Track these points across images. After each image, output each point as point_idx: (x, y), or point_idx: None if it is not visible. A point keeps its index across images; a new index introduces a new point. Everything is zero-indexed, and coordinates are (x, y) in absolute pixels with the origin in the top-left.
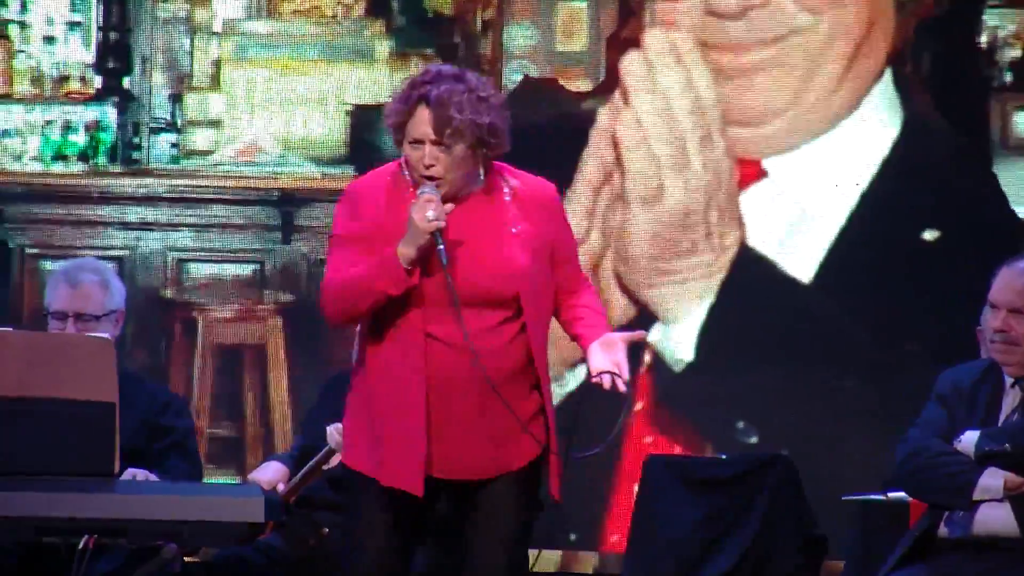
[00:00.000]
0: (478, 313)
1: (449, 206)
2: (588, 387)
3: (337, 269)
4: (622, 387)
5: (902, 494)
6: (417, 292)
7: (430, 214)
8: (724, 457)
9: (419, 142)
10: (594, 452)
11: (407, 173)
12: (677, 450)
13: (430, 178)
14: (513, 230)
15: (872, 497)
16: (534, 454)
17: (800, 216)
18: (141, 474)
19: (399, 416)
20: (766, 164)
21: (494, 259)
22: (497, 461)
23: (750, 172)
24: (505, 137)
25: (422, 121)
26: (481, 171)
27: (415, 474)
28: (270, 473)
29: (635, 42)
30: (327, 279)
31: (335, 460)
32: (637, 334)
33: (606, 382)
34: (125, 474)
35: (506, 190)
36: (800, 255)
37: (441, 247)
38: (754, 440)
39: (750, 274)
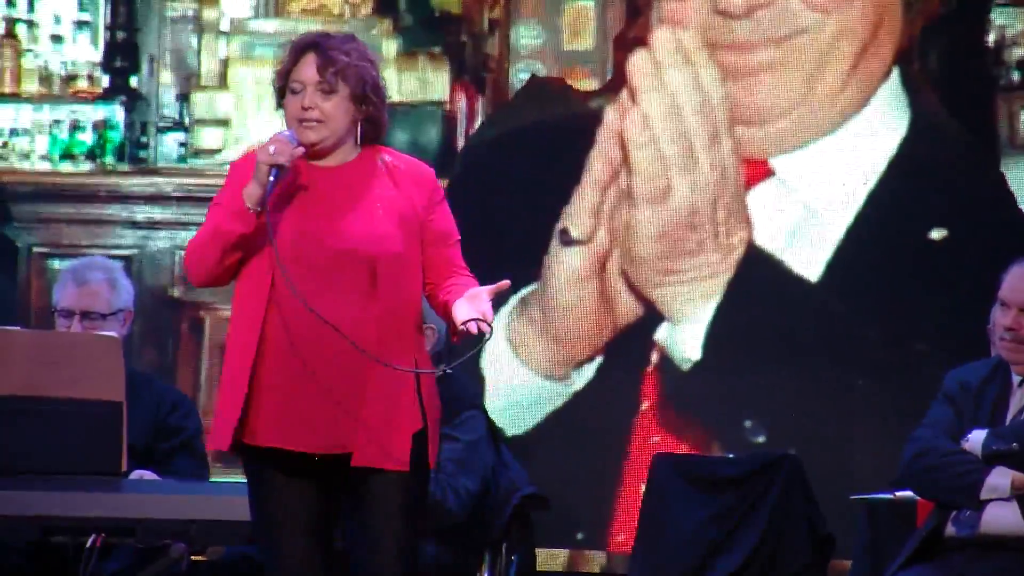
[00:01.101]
0: (331, 278)
1: (300, 150)
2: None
3: (202, 228)
4: (485, 328)
5: (910, 493)
6: (267, 255)
7: (272, 148)
8: (732, 456)
9: (300, 87)
10: (434, 372)
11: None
12: (684, 449)
13: (307, 122)
14: (380, 201)
15: (880, 496)
16: (402, 433)
17: (807, 215)
18: (148, 475)
19: (232, 376)
20: (773, 163)
21: (353, 222)
22: (345, 438)
23: (757, 171)
24: (384, 107)
25: (308, 65)
26: (358, 141)
27: (225, 430)
28: None
29: (642, 41)
30: (191, 239)
31: None
32: (501, 284)
33: (471, 328)
34: (132, 475)
35: (380, 164)
36: (807, 254)
37: (271, 184)
38: (762, 439)
39: (757, 273)
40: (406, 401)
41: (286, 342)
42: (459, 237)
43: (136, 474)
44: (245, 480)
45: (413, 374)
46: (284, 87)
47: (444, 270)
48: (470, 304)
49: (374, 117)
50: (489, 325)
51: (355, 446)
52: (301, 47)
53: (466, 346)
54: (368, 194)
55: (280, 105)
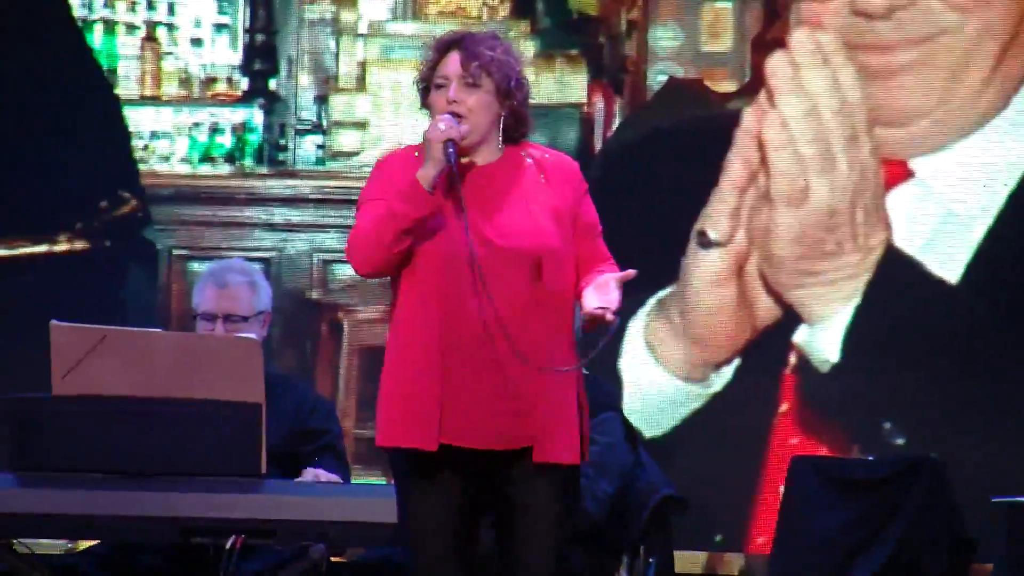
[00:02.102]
0: (499, 277)
1: (466, 128)
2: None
3: (363, 220)
4: (611, 317)
5: None
6: (436, 249)
7: (442, 125)
8: (871, 459)
9: (445, 82)
10: (568, 369)
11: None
12: (823, 452)
13: (453, 116)
14: (532, 197)
15: (1022, 499)
16: (575, 450)
17: (947, 217)
18: (323, 474)
19: (416, 374)
20: (913, 164)
21: (512, 219)
22: (523, 432)
23: (896, 172)
24: (527, 105)
25: (452, 61)
26: (500, 140)
27: (428, 429)
28: None
29: (781, 43)
30: (354, 231)
31: None
32: (627, 272)
33: (597, 314)
34: (306, 474)
35: (528, 160)
36: (947, 255)
37: (452, 152)
38: (901, 442)
39: (896, 275)
40: (571, 396)
41: (459, 339)
42: (600, 229)
43: (310, 473)
44: (388, 482)
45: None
46: (428, 85)
47: (592, 262)
48: (597, 293)
49: (518, 113)
50: (615, 315)
51: (534, 441)
52: (446, 44)
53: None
54: (520, 191)
55: (424, 104)
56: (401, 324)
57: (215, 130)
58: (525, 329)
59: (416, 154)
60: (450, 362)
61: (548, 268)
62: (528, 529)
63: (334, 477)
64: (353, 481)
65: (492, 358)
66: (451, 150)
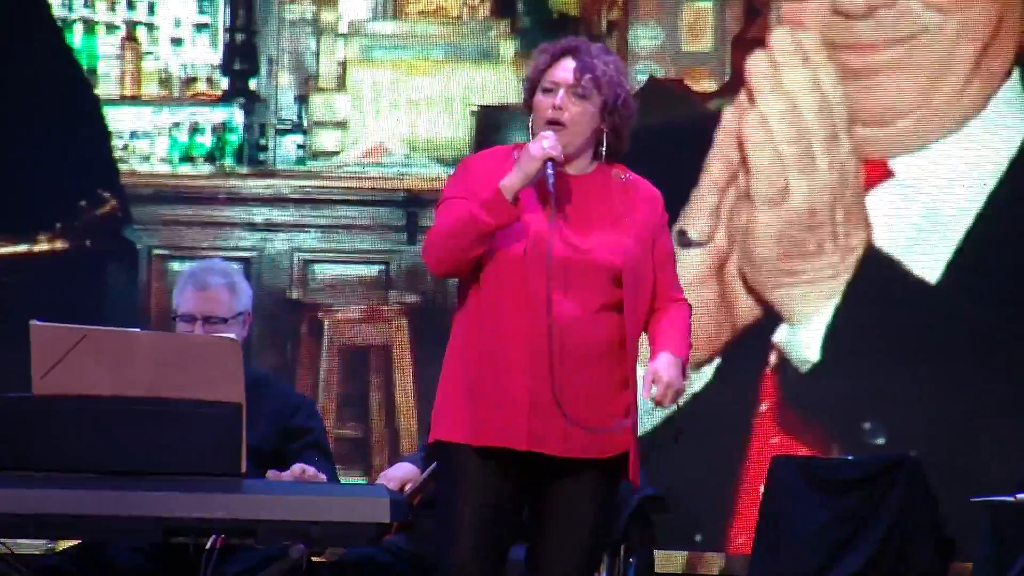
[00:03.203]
0: (573, 283)
1: (566, 140)
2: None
3: (442, 220)
4: (668, 404)
5: None
6: (519, 252)
7: (546, 143)
8: (852, 458)
9: (554, 87)
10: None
11: (517, 154)
12: (804, 451)
13: (553, 123)
14: (619, 215)
15: (1002, 499)
16: (625, 445)
17: (927, 216)
18: (310, 469)
19: (502, 374)
20: (893, 164)
21: (601, 233)
22: (583, 442)
23: (876, 172)
24: (628, 125)
25: (564, 69)
26: (596, 155)
27: (519, 427)
28: (401, 471)
29: (761, 42)
30: (432, 230)
31: None
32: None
33: (657, 397)
34: (293, 469)
35: (617, 180)
36: (927, 255)
37: (550, 177)
38: (881, 441)
39: (877, 274)
40: (628, 400)
41: (530, 342)
42: (674, 255)
43: (297, 467)
44: (369, 481)
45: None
46: (534, 86)
47: (664, 292)
48: (663, 371)
49: (619, 131)
50: (675, 400)
51: (571, 451)
52: (561, 50)
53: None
54: (609, 206)
55: (527, 105)
56: (475, 324)
57: (195, 130)
58: (594, 337)
59: (515, 154)
60: (510, 364)
61: (627, 283)
62: (568, 534)
63: (321, 476)
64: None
65: (553, 361)
66: (550, 171)
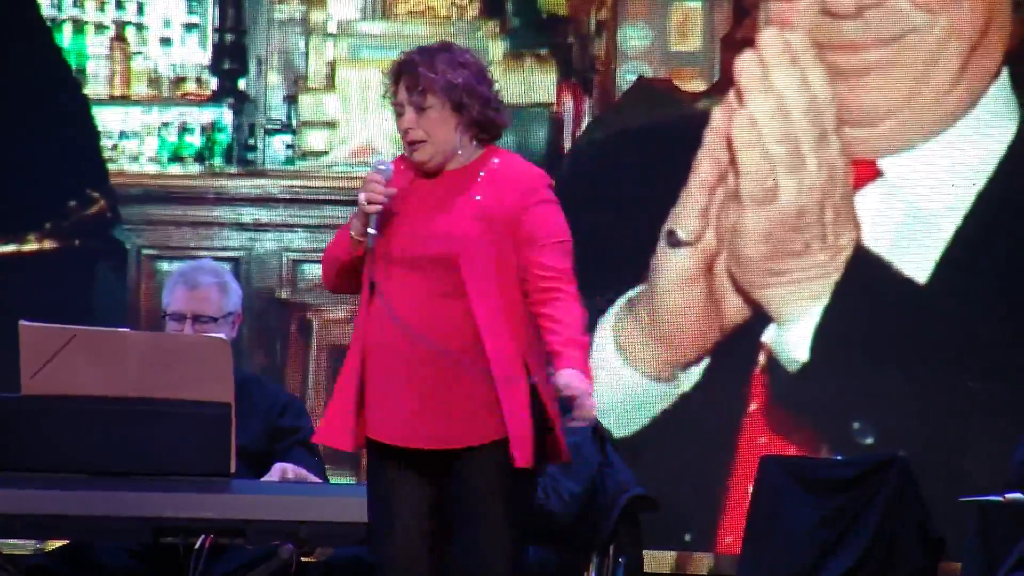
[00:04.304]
0: (415, 280)
1: (392, 190)
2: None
3: (331, 242)
4: (580, 425)
5: (1020, 495)
6: (374, 264)
7: (361, 196)
8: (841, 458)
9: (402, 110)
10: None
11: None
12: (792, 451)
13: (413, 143)
14: (470, 203)
15: (990, 499)
16: (498, 433)
17: (916, 216)
18: (291, 468)
19: (343, 377)
20: (881, 164)
21: (435, 225)
22: (454, 432)
23: (865, 172)
24: (489, 106)
25: (401, 89)
26: (460, 146)
27: (346, 431)
28: None
29: (750, 42)
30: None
31: None
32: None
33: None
34: (274, 469)
35: (483, 172)
36: (916, 255)
37: (372, 232)
38: (870, 441)
39: (865, 274)
40: (521, 397)
41: (382, 345)
42: (560, 239)
43: (277, 468)
44: (357, 481)
45: (525, 369)
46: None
47: (531, 274)
48: (571, 384)
49: (481, 120)
50: (585, 419)
51: (453, 437)
52: (395, 72)
53: None
54: (461, 197)
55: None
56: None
57: (184, 130)
58: (449, 332)
59: (402, 166)
60: (369, 366)
61: (468, 272)
62: (473, 529)
63: (301, 471)
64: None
65: (405, 362)
66: (372, 232)
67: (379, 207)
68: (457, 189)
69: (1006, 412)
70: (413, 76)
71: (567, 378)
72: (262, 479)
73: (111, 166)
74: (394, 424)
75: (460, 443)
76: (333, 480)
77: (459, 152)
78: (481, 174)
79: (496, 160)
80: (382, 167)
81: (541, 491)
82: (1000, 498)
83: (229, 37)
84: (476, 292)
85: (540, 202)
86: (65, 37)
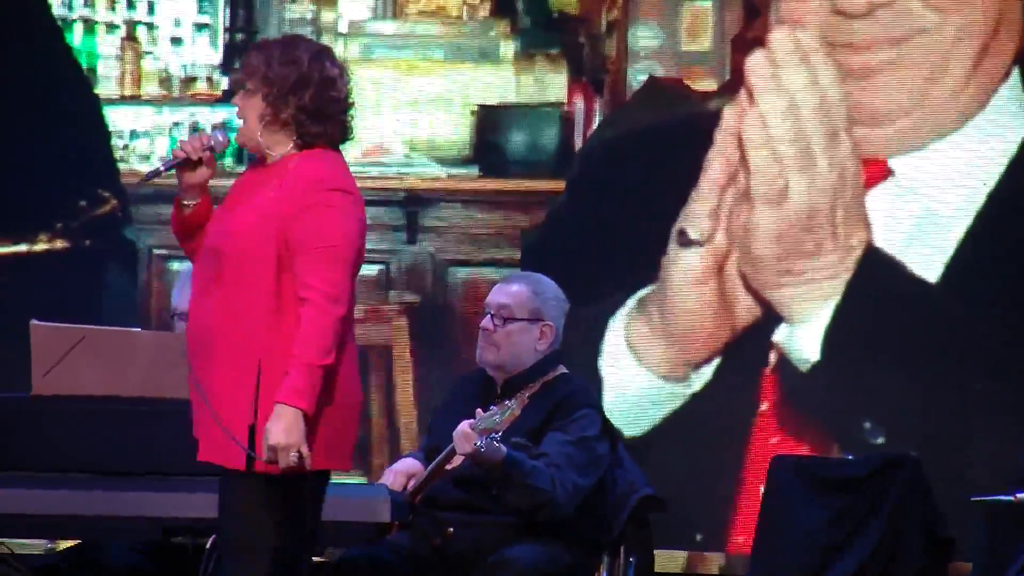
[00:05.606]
0: (199, 272)
1: (205, 153)
2: None
3: None
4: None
5: None
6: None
7: (185, 140)
8: (851, 458)
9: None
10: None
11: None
12: (803, 451)
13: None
14: (253, 202)
15: (1000, 498)
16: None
17: (927, 216)
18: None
19: None
20: (892, 163)
21: (220, 221)
22: (203, 442)
23: (876, 171)
24: (301, 107)
25: None
26: (264, 139)
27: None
28: (405, 465)
29: (760, 41)
30: None
31: (458, 460)
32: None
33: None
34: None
35: (280, 172)
36: (927, 255)
37: (162, 165)
38: (881, 440)
39: (876, 274)
40: (243, 396)
41: (187, 336)
42: (326, 246)
43: None
44: (369, 482)
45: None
46: None
47: (300, 279)
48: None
49: (292, 120)
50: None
51: (202, 442)
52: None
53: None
54: (251, 196)
55: None
56: None
57: (195, 129)
58: (201, 324)
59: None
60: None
61: (227, 267)
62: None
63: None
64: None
65: (188, 353)
66: (161, 165)
67: (181, 155)
68: (255, 185)
69: (1016, 412)
70: (241, 64)
71: (266, 431)
72: None
73: (122, 166)
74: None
75: (206, 444)
76: (343, 481)
77: (269, 147)
78: (280, 172)
79: (295, 161)
80: (219, 135)
81: (547, 480)
82: (1012, 498)
83: (240, 37)
84: (228, 285)
85: (312, 206)
86: (76, 37)
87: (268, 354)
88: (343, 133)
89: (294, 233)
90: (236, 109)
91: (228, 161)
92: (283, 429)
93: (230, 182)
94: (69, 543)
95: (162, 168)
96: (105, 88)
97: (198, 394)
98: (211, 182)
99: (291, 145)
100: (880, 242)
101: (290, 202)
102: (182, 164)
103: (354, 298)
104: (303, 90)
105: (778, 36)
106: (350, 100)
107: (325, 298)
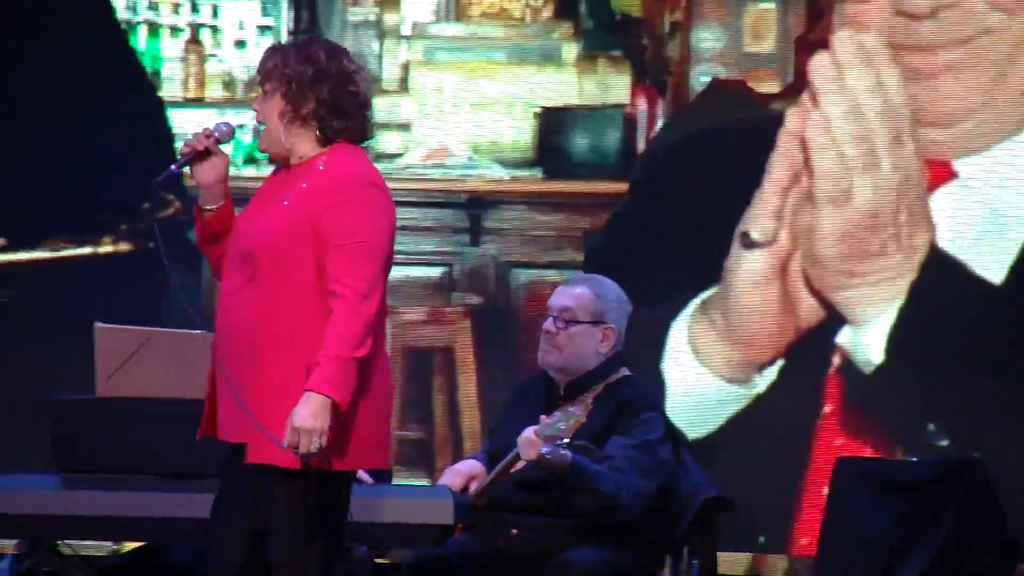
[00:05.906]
0: (232, 272)
1: (210, 142)
2: None
3: None
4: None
5: None
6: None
7: (191, 137)
8: (915, 460)
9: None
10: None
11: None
12: (867, 453)
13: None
14: (283, 201)
15: None
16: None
17: (991, 218)
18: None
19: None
20: (956, 165)
21: (251, 220)
22: (242, 430)
23: (940, 173)
24: (321, 101)
25: None
26: (288, 138)
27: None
28: (467, 466)
29: (824, 43)
30: None
31: (521, 464)
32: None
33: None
34: None
35: (308, 170)
36: (991, 256)
37: (177, 165)
38: (945, 443)
39: (940, 276)
40: (294, 395)
41: (217, 336)
42: (356, 241)
43: None
44: (431, 483)
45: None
46: None
47: (331, 276)
48: (294, 414)
49: (314, 116)
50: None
51: (248, 440)
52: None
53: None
54: (280, 196)
55: None
56: None
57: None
58: (241, 324)
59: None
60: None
61: (263, 266)
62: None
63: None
64: (396, 483)
65: (221, 353)
66: (174, 166)
67: (188, 150)
68: (285, 185)
69: None
70: (263, 61)
71: (292, 414)
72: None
73: (186, 169)
74: (217, 415)
75: (244, 439)
76: (406, 482)
77: (292, 146)
78: (309, 172)
79: (324, 159)
80: (222, 125)
81: (612, 485)
82: None
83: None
84: (265, 285)
85: (342, 202)
86: (140, 40)
87: (311, 350)
88: (363, 131)
89: (325, 228)
90: (257, 116)
91: (238, 163)
92: (310, 413)
93: (244, 184)
94: (133, 544)
95: (174, 168)
96: (169, 91)
97: (229, 392)
98: (229, 184)
99: (314, 142)
100: (944, 243)
101: (323, 197)
102: (192, 160)
103: (385, 295)
104: (322, 84)
105: (841, 38)
106: (369, 98)
107: (356, 295)
